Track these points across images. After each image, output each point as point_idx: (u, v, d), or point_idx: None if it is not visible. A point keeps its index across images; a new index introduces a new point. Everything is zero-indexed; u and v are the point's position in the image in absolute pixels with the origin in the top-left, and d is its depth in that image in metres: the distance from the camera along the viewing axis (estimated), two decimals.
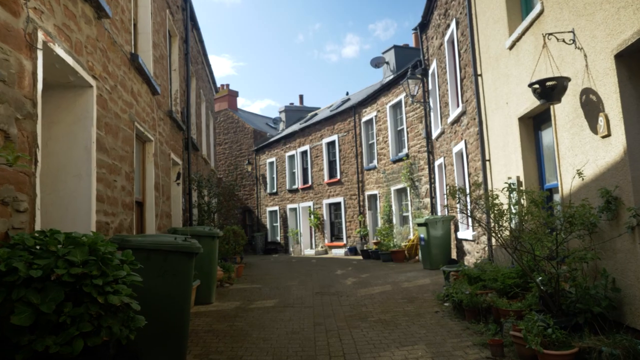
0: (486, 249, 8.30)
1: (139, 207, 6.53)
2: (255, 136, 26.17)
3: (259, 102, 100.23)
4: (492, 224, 4.69)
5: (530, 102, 5.69)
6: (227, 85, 28.79)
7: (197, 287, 7.09)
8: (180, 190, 9.15)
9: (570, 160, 4.73)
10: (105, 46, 4.72)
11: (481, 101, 7.87)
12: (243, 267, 11.48)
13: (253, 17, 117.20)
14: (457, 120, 9.94)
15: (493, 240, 7.54)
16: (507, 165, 6.74)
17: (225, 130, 27.65)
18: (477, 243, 8.91)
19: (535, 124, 6.09)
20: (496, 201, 4.83)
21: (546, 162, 5.93)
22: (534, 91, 4.49)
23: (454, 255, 10.99)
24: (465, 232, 9.85)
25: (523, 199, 5.74)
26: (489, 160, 7.68)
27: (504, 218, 4.49)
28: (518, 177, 6.17)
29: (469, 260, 9.61)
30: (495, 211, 4.46)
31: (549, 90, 4.31)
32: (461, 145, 9.59)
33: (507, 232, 4.80)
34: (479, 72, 7.91)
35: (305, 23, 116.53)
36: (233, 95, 28.75)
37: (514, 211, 4.90)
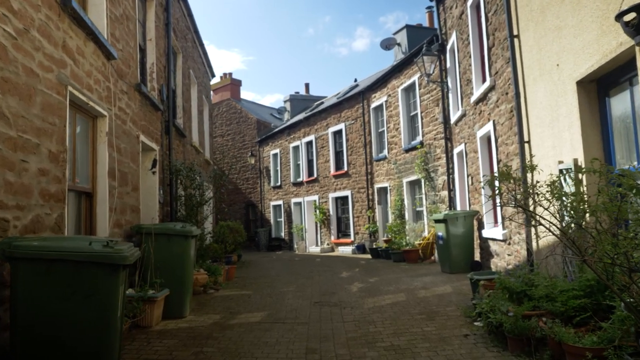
0: (521, 251, 6.82)
1: (88, 199, 5.17)
2: (259, 127, 24.78)
3: (269, 96, 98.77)
4: (557, 221, 3.23)
5: (597, 56, 4.21)
6: (230, 74, 27.44)
7: (166, 297, 5.74)
8: (157, 180, 7.79)
9: None
10: None
11: (518, 69, 6.36)
12: (235, 268, 10.11)
13: (262, 10, 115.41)
14: (482, 99, 8.44)
15: (533, 241, 6.07)
16: (556, 146, 5.25)
17: (227, 121, 26.30)
18: (509, 244, 7.43)
19: (600, 88, 4.60)
20: (552, 189, 3.39)
21: (617, 138, 4.44)
22: (626, 25, 3.02)
23: (477, 256, 9.52)
24: (493, 230, 8.37)
25: (577, 183, 4.29)
26: (529, 142, 6.19)
27: (579, 212, 3.03)
28: (576, 160, 4.69)
29: (497, 263, 8.14)
30: (568, 203, 3.01)
31: None
32: (488, 127, 8.10)
33: (560, 231, 3.36)
34: (515, 33, 6.40)
35: (315, 16, 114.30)
36: (236, 84, 27.34)
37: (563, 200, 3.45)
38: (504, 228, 7.63)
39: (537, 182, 3.49)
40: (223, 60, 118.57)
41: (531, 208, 3.78)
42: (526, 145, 6.21)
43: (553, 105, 5.29)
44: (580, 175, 4.60)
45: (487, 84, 7.90)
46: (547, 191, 3.46)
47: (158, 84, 8.21)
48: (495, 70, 7.64)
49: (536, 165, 3.86)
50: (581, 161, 4.64)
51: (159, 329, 5.42)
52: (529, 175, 4.12)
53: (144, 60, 7.88)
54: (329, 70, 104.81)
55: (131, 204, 6.27)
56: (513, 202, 3.38)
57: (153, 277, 5.60)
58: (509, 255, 7.50)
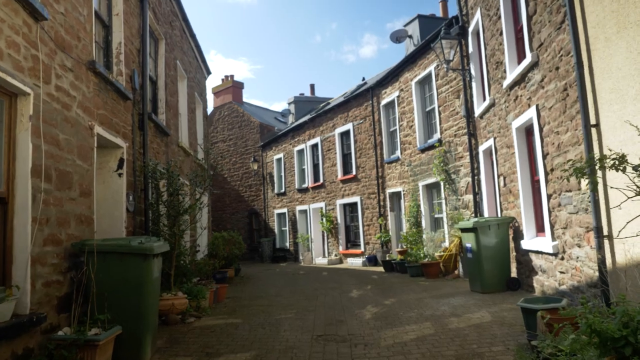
0: (583, 268, 5.28)
1: (1, 207, 3.75)
2: (262, 131, 23.43)
3: (277, 104, 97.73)
4: None
5: None
6: (232, 76, 26.19)
7: (118, 337, 4.29)
8: (125, 184, 6.37)
9: None
10: None
11: (580, 30, 4.88)
12: (226, 288, 8.64)
13: (269, 17, 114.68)
14: (520, 81, 6.95)
15: (608, 254, 4.53)
16: None
17: (229, 125, 25.00)
18: (562, 258, 5.90)
19: None
20: None
21: None
22: None
23: (513, 272, 7.97)
24: (537, 241, 6.83)
25: None
26: (597, 126, 4.69)
27: None
28: None
29: (544, 282, 6.59)
30: None
31: None
32: (529, 114, 6.60)
33: None
34: None
35: (321, 23, 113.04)
36: (238, 87, 26.07)
37: None
38: (554, 239, 6.10)
39: None
40: (230, 69, 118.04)
41: None
42: (594, 130, 4.71)
43: None
44: None
45: (528, 60, 6.41)
46: None
47: (127, 68, 6.83)
48: (539, 42, 6.15)
49: None
50: None
51: None
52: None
53: (109, 39, 6.51)
54: (336, 77, 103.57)
55: (78, 214, 4.85)
56: None
57: (96, 312, 4.16)
58: (561, 272, 5.96)
